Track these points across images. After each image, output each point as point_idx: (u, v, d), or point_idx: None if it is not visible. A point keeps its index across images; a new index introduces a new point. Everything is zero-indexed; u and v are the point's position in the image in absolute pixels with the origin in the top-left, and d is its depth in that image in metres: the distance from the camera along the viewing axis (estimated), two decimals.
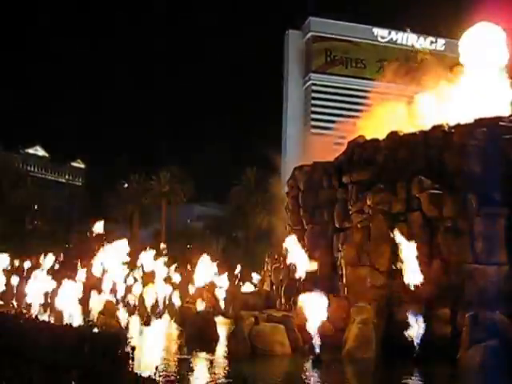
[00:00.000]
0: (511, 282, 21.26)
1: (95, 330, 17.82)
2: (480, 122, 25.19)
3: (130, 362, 14.64)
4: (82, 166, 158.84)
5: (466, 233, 22.40)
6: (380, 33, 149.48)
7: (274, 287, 32.74)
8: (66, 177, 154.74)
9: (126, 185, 77.04)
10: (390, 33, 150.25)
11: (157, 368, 14.20)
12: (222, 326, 29.28)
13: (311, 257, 28.35)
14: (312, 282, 26.48)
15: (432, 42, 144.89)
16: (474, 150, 23.90)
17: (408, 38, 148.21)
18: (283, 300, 29.43)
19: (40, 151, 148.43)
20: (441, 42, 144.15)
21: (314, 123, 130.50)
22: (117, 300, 37.56)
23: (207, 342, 23.75)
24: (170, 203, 76.75)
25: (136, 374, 12.21)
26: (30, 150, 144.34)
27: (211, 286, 43.96)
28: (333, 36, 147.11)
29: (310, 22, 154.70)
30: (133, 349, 16.40)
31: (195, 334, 25.03)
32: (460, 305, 21.15)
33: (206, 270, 45.13)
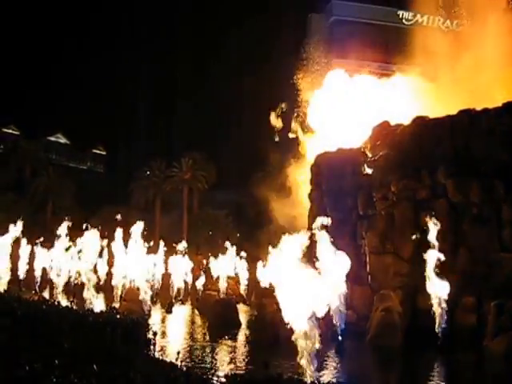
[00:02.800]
0: None
1: (117, 315, 18.03)
2: (508, 106, 24.77)
3: (152, 347, 14.81)
4: (104, 152, 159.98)
5: (492, 220, 22.18)
6: (405, 15, 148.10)
7: None
8: (88, 164, 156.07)
9: (148, 172, 77.53)
10: (415, 15, 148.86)
11: (178, 354, 14.35)
12: (244, 314, 29.47)
13: (335, 244, 28.27)
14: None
15: (458, 25, 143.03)
16: (502, 135, 23.55)
17: (434, 21, 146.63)
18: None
19: (62, 139, 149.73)
20: (467, 24, 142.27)
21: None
22: (138, 287, 37.94)
23: (229, 329, 23.94)
24: (192, 190, 77.13)
25: (158, 359, 12.35)
26: (52, 138, 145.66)
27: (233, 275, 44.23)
28: (356, 19, 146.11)
29: (333, 4, 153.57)
30: (154, 334, 16.62)
31: (217, 320, 25.23)
32: (486, 293, 21.00)
33: (228, 258, 45.41)
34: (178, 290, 41.46)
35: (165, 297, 38.70)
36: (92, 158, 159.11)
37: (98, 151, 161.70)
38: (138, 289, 31.36)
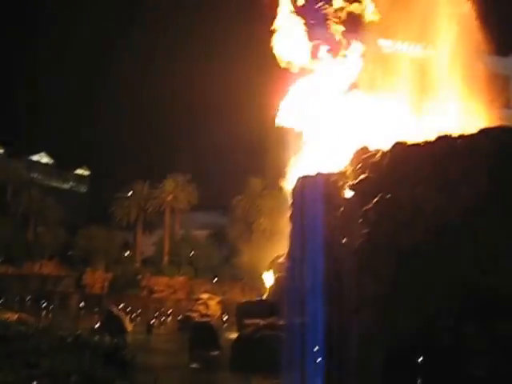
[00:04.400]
0: None
1: (96, 337, 17.76)
2: (484, 132, 25.11)
3: (130, 368, 14.58)
4: (87, 173, 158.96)
5: (471, 242, 22.26)
6: (385, 43, 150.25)
7: (277, 295, 32.59)
8: (71, 184, 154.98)
9: (131, 192, 77.17)
10: (394, 44, 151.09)
11: (156, 376, 14.13)
12: (225, 334, 29.20)
13: (313, 264, 28.22)
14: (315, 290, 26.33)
15: (437, 52, 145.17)
16: (479, 159, 23.80)
17: (414, 49, 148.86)
18: (286, 308, 29.27)
19: (44, 158, 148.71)
20: (446, 52, 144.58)
21: None
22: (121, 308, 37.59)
23: (209, 351, 23.69)
24: (174, 211, 76.84)
25: (136, 381, 12.14)
26: (35, 157, 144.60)
27: (214, 294, 43.91)
28: None
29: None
30: (133, 357, 16.36)
31: (197, 341, 24.96)
32: (465, 315, 20.97)
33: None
34: (159, 310, 41.07)
35: (145, 317, 38.30)
36: (75, 178, 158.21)
37: (81, 171, 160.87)
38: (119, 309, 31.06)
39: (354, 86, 43.17)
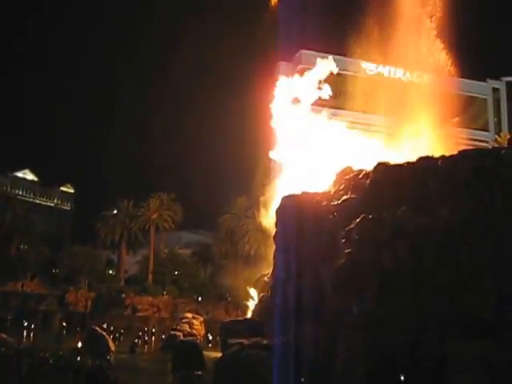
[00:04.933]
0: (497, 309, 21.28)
1: (78, 358, 17.61)
2: (464, 154, 25.51)
3: None
4: (71, 190, 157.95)
5: (452, 261, 22.46)
6: (368, 66, 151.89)
7: (262, 315, 32.52)
8: (55, 201, 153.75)
9: (116, 211, 76.85)
10: (377, 67, 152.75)
11: None
12: (208, 354, 29.02)
13: (298, 284, 28.26)
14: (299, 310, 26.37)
15: (418, 76, 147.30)
16: (458, 180, 24.15)
17: (395, 72, 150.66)
18: (270, 328, 29.20)
19: (29, 175, 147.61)
20: (427, 76, 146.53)
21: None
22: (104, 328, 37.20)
23: (193, 370, 23.52)
24: (159, 230, 76.58)
25: None
26: (19, 174, 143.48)
27: (199, 313, 43.68)
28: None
29: (301, 54, 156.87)
30: (116, 377, 16.22)
31: (181, 361, 24.79)
32: (448, 333, 21.11)
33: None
34: (142, 329, 40.73)
35: (128, 336, 37.96)
36: (59, 195, 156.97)
37: (65, 189, 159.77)
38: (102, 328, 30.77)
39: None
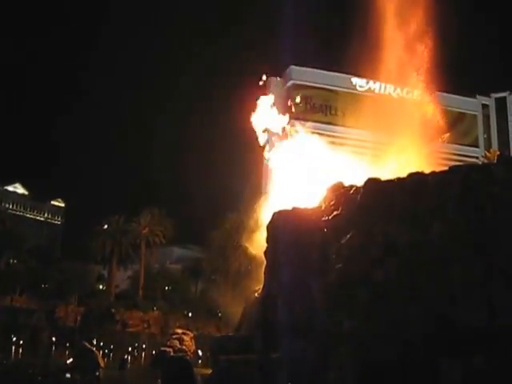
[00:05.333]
0: (488, 325, 21.26)
1: (67, 374, 17.43)
2: (454, 170, 25.63)
3: None
4: (62, 204, 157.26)
5: (442, 277, 22.48)
6: (358, 82, 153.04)
7: (253, 331, 32.31)
8: (45, 215, 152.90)
9: (106, 226, 76.49)
10: (367, 82, 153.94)
11: None
12: (199, 370, 28.78)
13: (289, 300, 28.15)
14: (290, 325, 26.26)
15: (408, 92, 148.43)
16: (449, 196, 24.23)
17: (386, 88, 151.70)
18: (260, 344, 29.03)
19: (19, 189, 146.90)
20: (417, 92, 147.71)
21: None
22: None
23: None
24: (150, 245, 76.25)
25: None
26: (9, 188, 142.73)
27: (189, 329, 43.37)
28: (313, 84, 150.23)
29: (291, 70, 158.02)
30: None
31: (171, 377, 24.57)
32: (439, 349, 21.06)
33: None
34: (133, 345, 40.38)
35: (118, 352, 37.63)
36: (50, 209, 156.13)
37: (56, 203, 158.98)
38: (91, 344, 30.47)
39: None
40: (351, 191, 28.57)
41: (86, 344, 31.82)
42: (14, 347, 40.18)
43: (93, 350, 31.27)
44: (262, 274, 33.50)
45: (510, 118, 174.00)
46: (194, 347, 42.55)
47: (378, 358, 21.66)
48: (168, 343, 40.16)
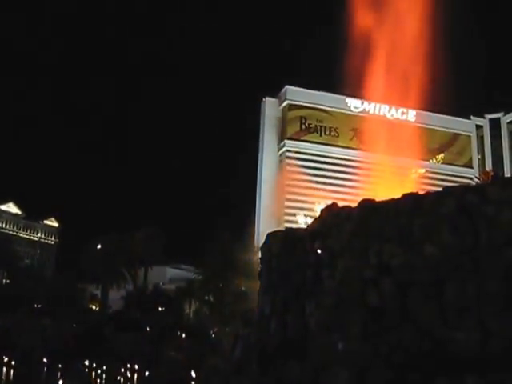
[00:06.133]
0: (482, 347, 21.33)
1: None
2: (448, 191, 25.76)
3: None
4: (56, 224, 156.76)
5: (436, 299, 22.54)
6: (353, 103, 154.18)
7: (246, 352, 32.19)
8: (39, 235, 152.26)
9: (99, 245, 76.39)
10: (362, 103, 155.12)
11: None
12: None
13: (283, 320, 28.12)
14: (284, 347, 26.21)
15: (403, 113, 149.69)
16: (443, 216, 24.34)
17: (380, 109, 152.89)
18: (255, 365, 28.92)
19: (13, 208, 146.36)
20: (412, 113, 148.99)
21: (288, 188, 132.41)
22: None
23: None
24: (143, 265, 76.16)
25: None
26: (3, 207, 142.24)
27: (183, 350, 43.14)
28: (308, 105, 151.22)
29: (287, 90, 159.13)
30: None
31: None
32: (431, 370, 21.06)
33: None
34: (125, 367, 40.12)
35: (112, 372, 37.37)
36: (43, 229, 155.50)
37: (49, 222, 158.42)
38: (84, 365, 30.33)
39: None
40: (345, 212, 28.68)
41: (78, 364, 31.62)
42: (5, 368, 39.80)
43: (84, 371, 31.08)
44: (257, 295, 33.47)
45: (503, 138, 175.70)
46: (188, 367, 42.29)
47: (373, 379, 21.69)
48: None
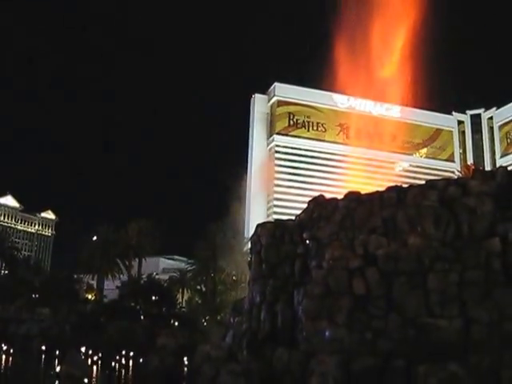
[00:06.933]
0: (463, 333, 21.40)
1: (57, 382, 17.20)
2: (431, 184, 25.81)
3: None
4: (52, 216, 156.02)
5: (420, 287, 22.57)
6: (339, 99, 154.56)
7: (237, 339, 32.16)
8: (36, 227, 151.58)
9: (95, 237, 76.09)
10: (348, 99, 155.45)
11: None
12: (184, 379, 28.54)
13: (272, 309, 28.10)
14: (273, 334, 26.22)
15: (388, 109, 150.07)
16: (426, 208, 24.39)
17: (366, 105, 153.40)
18: (245, 352, 28.89)
19: (11, 201, 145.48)
20: (396, 108, 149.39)
21: (276, 182, 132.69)
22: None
23: None
24: (138, 256, 75.95)
25: None
26: (1, 200, 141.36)
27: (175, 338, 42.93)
28: (296, 101, 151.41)
29: (275, 87, 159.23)
30: None
31: None
32: (415, 357, 21.10)
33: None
34: (120, 354, 39.94)
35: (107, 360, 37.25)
36: (41, 221, 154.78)
37: (46, 215, 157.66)
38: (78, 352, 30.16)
39: None
40: (332, 204, 28.69)
41: (75, 352, 31.47)
42: (4, 356, 39.64)
43: (82, 358, 30.94)
44: (247, 284, 33.43)
45: (484, 133, 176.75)
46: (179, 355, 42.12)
47: (359, 365, 21.67)
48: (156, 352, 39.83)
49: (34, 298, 73.96)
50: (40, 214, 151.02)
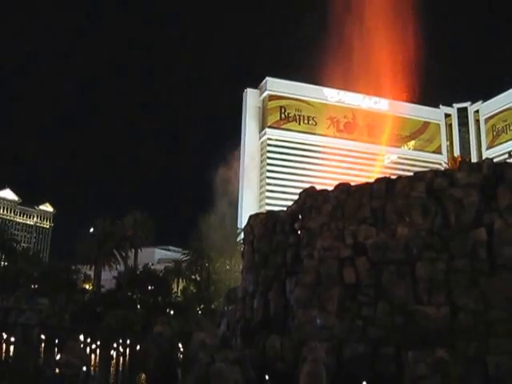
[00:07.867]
0: (450, 320, 21.47)
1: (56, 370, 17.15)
2: (419, 176, 25.79)
3: None
4: (51, 209, 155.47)
5: (408, 276, 22.61)
6: (329, 93, 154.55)
7: (231, 327, 32.18)
8: (35, 219, 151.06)
9: (92, 229, 75.92)
10: (338, 93, 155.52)
11: None
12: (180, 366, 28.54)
13: (265, 297, 28.13)
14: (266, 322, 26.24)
15: (376, 102, 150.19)
16: (414, 199, 24.40)
17: (355, 98, 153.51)
18: (239, 340, 28.92)
19: (9, 194, 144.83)
20: (384, 102, 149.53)
21: (269, 174, 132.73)
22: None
23: (167, 382, 23.10)
24: (134, 246, 75.83)
25: None
26: (0, 193, 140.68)
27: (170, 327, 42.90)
28: (287, 95, 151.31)
29: (267, 81, 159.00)
30: None
31: (156, 373, 24.33)
32: (404, 343, 21.16)
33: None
34: (118, 343, 39.87)
35: (105, 348, 37.18)
36: (39, 213, 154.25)
37: (45, 207, 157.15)
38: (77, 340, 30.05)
39: None
40: (323, 195, 28.64)
41: (74, 341, 31.37)
42: (4, 345, 39.52)
43: (80, 347, 30.84)
44: (240, 273, 33.41)
45: (470, 126, 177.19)
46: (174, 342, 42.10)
47: (349, 352, 21.77)
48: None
49: (33, 288, 73.80)
50: (38, 206, 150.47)
